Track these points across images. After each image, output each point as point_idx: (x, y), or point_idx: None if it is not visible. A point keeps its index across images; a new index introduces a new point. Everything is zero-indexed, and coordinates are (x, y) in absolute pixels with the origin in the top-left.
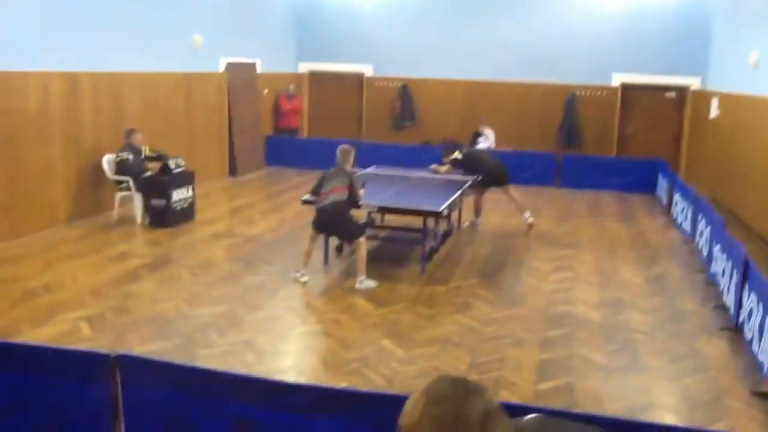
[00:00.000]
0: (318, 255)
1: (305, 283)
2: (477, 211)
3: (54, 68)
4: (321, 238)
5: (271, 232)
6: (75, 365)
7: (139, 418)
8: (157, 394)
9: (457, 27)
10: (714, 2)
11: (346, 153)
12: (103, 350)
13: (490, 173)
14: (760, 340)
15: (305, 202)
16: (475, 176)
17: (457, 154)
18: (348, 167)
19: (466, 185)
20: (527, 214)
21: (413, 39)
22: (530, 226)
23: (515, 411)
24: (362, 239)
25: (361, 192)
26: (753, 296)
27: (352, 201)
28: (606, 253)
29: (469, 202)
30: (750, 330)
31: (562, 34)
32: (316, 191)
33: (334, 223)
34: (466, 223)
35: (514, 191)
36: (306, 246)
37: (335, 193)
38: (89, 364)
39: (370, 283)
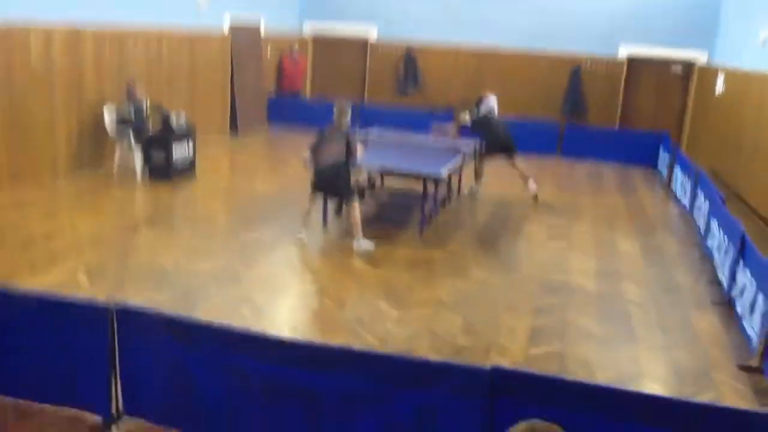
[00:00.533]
0: (317, 215)
1: (301, 239)
2: (478, 177)
3: (56, 22)
4: (320, 198)
5: (271, 190)
6: (73, 314)
7: (136, 368)
8: (153, 345)
9: None
10: None
11: (343, 110)
12: (101, 300)
13: (498, 141)
14: (750, 316)
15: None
16: (480, 142)
17: (466, 117)
18: (345, 125)
19: (469, 151)
20: (532, 184)
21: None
22: (535, 197)
23: (507, 375)
24: (356, 203)
25: (359, 151)
26: (747, 273)
27: (350, 161)
28: (604, 224)
29: (470, 167)
30: (741, 306)
31: (571, 1)
32: (314, 149)
33: (332, 183)
34: (466, 189)
35: (520, 162)
36: (306, 206)
37: (333, 154)
38: (87, 314)
39: (368, 245)
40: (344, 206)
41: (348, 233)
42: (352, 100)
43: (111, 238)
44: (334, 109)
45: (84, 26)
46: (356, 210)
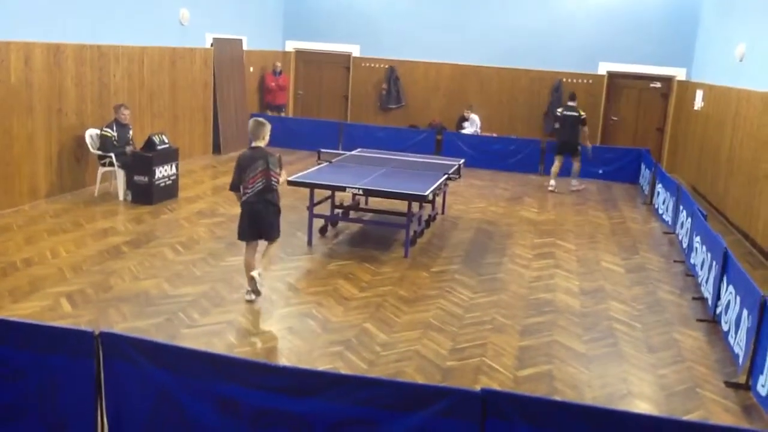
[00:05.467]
0: (301, 237)
1: (251, 301)
2: (554, 176)
3: (37, 39)
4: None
5: None
6: (57, 342)
7: (121, 396)
8: (139, 372)
9: (445, 11)
10: None
11: (260, 126)
12: (86, 327)
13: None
14: (736, 332)
15: (290, 183)
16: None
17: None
18: (264, 143)
19: (452, 170)
20: (575, 182)
21: (401, 21)
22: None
23: (497, 397)
24: (276, 243)
25: (283, 174)
26: (731, 288)
27: (272, 186)
28: (587, 242)
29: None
30: (727, 322)
31: (550, 20)
32: (236, 185)
33: (261, 217)
34: (549, 187)
35: (576, 161)
36: (244, 260)
37: (255, 182)
38: (72, 342)
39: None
40: (327, 230)
41: (333, 254)
42: (337, 119)
43: (93, 263)
44: (250, 124)
45: (64, 42)
46: (275, 248)
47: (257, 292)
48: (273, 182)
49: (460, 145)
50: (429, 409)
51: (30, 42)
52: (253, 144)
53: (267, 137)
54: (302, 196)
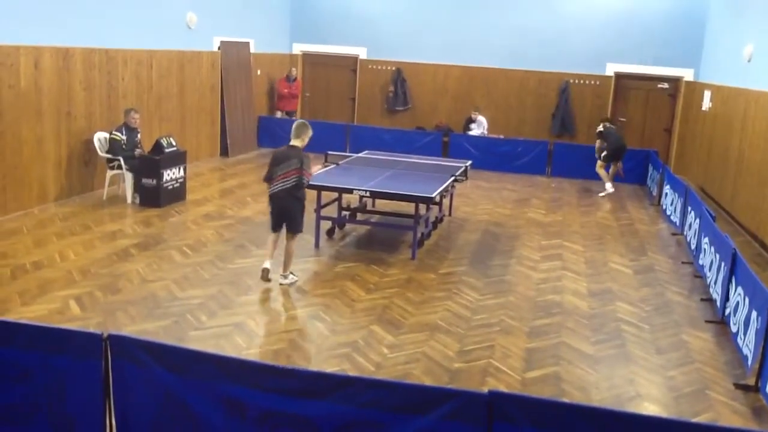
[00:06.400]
0: (309, 239)
1: (266, 270)
2: (610, 180)
3: (46, 43)
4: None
5: (262, 214)
6: (66, 344)
7: (129, 398)
8: (147, 374)
9: (451, 12)
10: None
11: (303, 127)
12: (94, 330)
13: (618, 148)
14: (745, 333)
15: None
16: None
17: (599, 127)
18: (301, 144)
19: (459, 172)
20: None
21: (408, 23)
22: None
23: (505, 399)
24: (297, 236)
25: (312, 171)
26: (740, 290)
27: (301, 184)
28: (595, 243)
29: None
30: (735, 323)
31: (558, 22)
32: (269, 178)
33: (284, 210)
34: (601, 194)
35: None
36: (269, 240)
37: (285, 178)
38: (81, 344)
39: (294, 278)
40: (286, 234)
41: (340, 257)
42: (344, 122)
43: (102, 266)
44: (293, 127)
45: (73, 46)
46: (294, 243)
47: (266, 279)
48: (304, 181)
49: (467, 146)
50: (436, 411)
51: (39, 46)
52: (291, 142)
53: (306, 140)
54: (309, 198)
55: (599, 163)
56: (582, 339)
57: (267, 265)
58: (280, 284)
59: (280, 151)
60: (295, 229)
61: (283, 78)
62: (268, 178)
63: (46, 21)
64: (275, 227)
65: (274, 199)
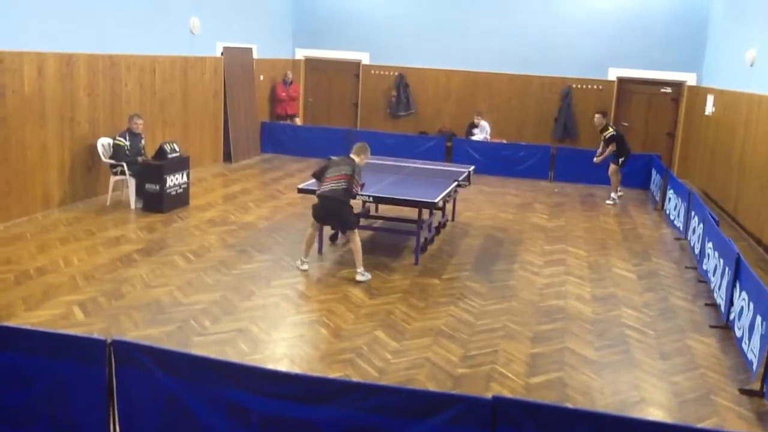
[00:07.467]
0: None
1: (305, 271)
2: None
3: (49, 49)
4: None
5: (265, 219)
6: (70, 350)
7: (133, 403)
8: (151, 379)
9: (454, 18)
10: (712, 0)
11: (364, 147)
12: (98, 335)
13: (629, 153)
14: (749, 338)
15: (301, 190)
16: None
17: (611, 131)
18: (357, 159)
19: (462, 177)
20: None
21: (410, 28)
22: (613, 203)
23: (509, 405)
24: (356, 230)
25: (361, 184)
26: (744, 294)
27: (350, 190)
28: (599, 248)
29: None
30: (740, 328)
31: (560, 27)
32: (318, 175)
33: (331, 211)
34: (609, 201)
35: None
36: (307, 234)
37: (334, 181)
38: (84, 349)
39: (368, 275)
40: (341, 235)
41: (343, 262)
42: (346, 127)
43: (105, 272)
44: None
45: (76, 51)
46: (357, 237)
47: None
48: (354, 190)
49: (470, 151)
50: (439, 416)
51: (43, 52)
52: (351, 155)
53: (363, 159)
54: (310, 203)
55: (614, 168)
56: (586, 344)
57: (305, 267)
58: (357, 281)
59: (337, 157)
60: (349, 227)
61: (280, 82)
62: (317, 176)
63: (50, 27)
64: (319, 221)
65: (321, 198)
